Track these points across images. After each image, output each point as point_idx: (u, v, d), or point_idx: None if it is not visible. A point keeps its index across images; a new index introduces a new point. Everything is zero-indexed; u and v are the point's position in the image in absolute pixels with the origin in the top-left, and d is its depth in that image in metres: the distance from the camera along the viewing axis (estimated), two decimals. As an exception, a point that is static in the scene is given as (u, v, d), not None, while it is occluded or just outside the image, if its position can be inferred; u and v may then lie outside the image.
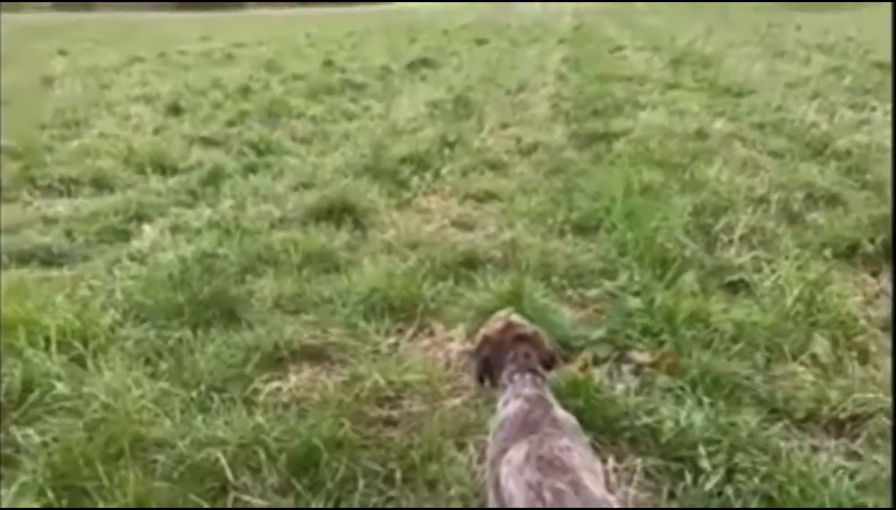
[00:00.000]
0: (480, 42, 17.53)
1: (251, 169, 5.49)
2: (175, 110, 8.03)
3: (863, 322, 2.82)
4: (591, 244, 3.88)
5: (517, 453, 1.51)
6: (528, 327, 1.91)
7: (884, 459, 2.10)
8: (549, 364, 1.87)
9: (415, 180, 5.10)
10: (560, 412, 1.69)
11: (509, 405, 1.70)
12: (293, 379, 2.48)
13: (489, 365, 1.86)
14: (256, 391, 2.41)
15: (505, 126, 7.07)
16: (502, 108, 7.98)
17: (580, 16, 28.30)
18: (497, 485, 1.54)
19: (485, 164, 5.61)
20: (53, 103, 8.18)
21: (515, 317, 1.94)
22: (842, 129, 6.10)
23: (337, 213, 4.32)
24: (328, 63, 12.80)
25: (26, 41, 18.37)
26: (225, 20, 32.37)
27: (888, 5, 24.02)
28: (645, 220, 3.82)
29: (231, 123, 7.19)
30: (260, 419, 2.21)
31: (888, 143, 5.51)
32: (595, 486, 1.45)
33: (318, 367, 2.58)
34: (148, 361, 2.58)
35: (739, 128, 6.49)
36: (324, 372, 2.55)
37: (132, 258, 3.59)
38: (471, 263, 3.58)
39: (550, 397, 1.74)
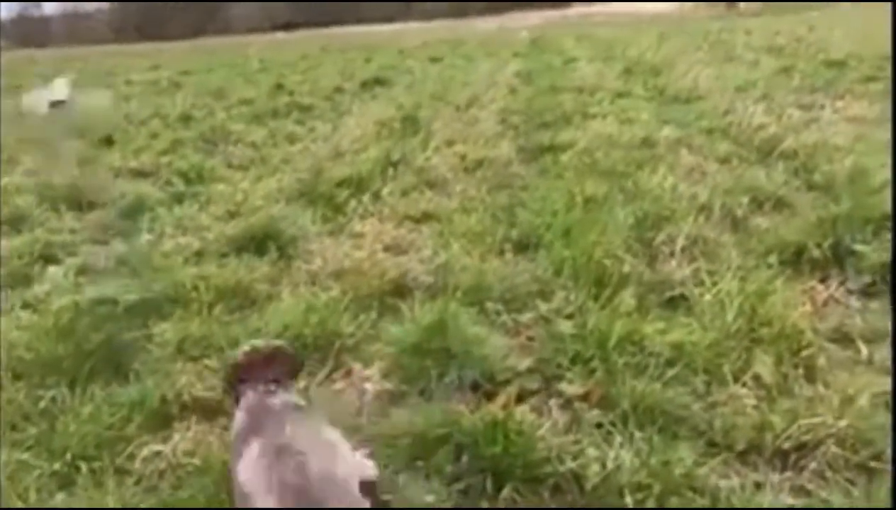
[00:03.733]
0: (435, 59, 17.43)
1: (177, 199, 5.19)
2: (108, 142, 7.70)
3: (810, 334, 2.61)
4: (530, 263, 3.66)
5: (249, 451, 1.60)
6: (266, 348, 2.01)
7: (833, 495, 1.88)
8: (291, 373, 1.99)
9: (352, 203, 4.85)
10: (293, 407, 1.79)
11: (236, 420, 1.80)
12: (177, 439, 2.18)
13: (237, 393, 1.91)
14: (132, 457, 2.12)
15: (451, 143, 6.85)
16: (450, 125, 7.77)
17: (538, 29, 28.50)
18: (237, 486, 1.60)
19: (427, 184, 5.38)
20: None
21: (257, 342, 2.06)
22: (789, 130, 5.99)
23: (260, 242, 4.03)
24: (278, 86, 12.55)
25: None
26: (179, 49, 32.01)
27: (841, 7, 24.54)
28: (584, 236, 3.61)
29: (164, 152, 6.88)
30: (129, 492, 1.92)
31: (837, 141, 5.40)
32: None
33: (209, 424, 2.29)
34: (14, 427, 2.27)
35: (687, 134, 6.35)
36: (214, 429, 2.26)
37: (26, 306, 3.28)
38: (399, 291, 3.33)
39: (284, 400, 1.81)
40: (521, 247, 3.92)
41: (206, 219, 4.68)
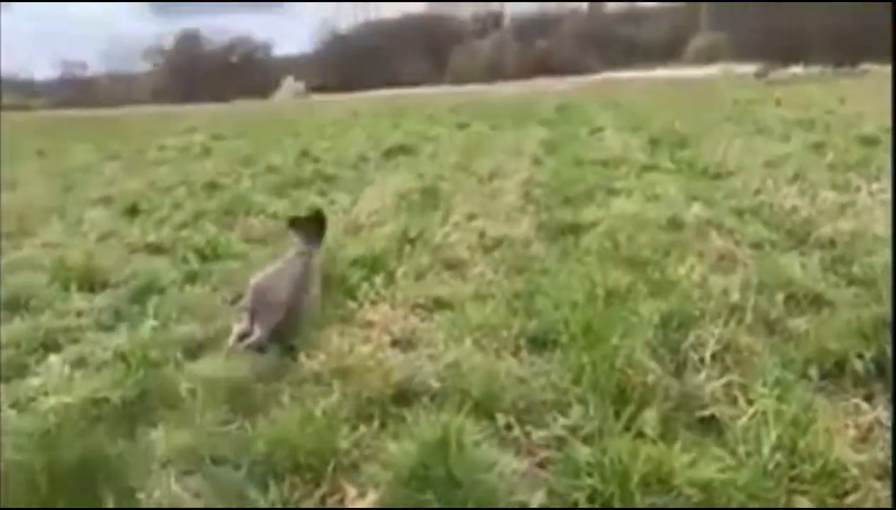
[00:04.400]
0: (462, 126, 17.57)
1: (190, 279, 5.08)
2: (132, 212, 7.73)
3: (854, 470, 2.33)
4: (547, 364, 3.43)
5: None
6: None
7: None
8: None
9: (364, 287, 4.68)
10: None
11: None
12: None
13: None
14: None
15: (472, 217, 6.71)
16: (471, 198, 7.67)
17: (564, 95, 28.77)
18: None
19: (443, 264, 5.22)
20: (6, 210, 7.86)
21: None
22: (824, 214, 5.75)
23: (267, 332, 3.88)
24: (304, 153, 12.66)
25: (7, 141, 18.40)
26: (216, 112, 32.93)
27: (867, 80, 24.41)
28: (605, 336, 3.37)
29: (184, 225, 6.84)
30: None
31: (875, 229, 5.13)
32: None
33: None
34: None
35: (716, 214, 6.13)
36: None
37: (14, 405, 3.12)
38: (403, 397, 3.12)
39: None
40: (538, 343, 3.71)
41: (217, 302, 4.54)
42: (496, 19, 76.07)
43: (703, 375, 3.05)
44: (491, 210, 7.04)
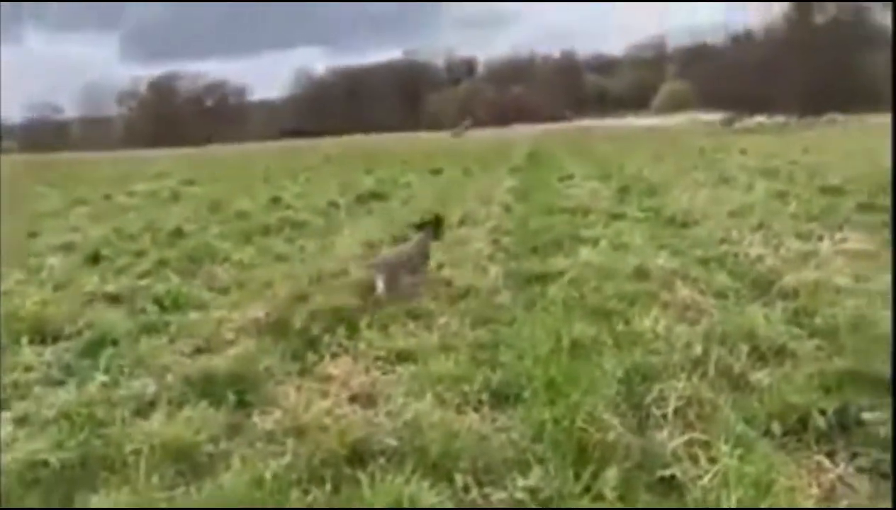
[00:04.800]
0: (435, 172, 17.70)
1: (147, 330, 4.94)
2: (94, 259, 7.56)
3: (820, 535, 2.28)
4: (509, 420, 3.35)
5: None
6: None
7: None
8: None
9: (326, 339, 4.59)
10: None
11: None
12: None
13: None
14: None
15: (439, 266, 6.67)
16: (440, 246, 7.63)
17: (536, 141, 29.24)
18: None
19: (409, 315, 5.14)
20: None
21: None
22: (788, 264, 5.82)
23: (221, 387, 3.76)
24: (275, 200, 12.60)
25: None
26: (189, 156, 32.83)
27: (831, 130, 25.19)
28: (567, 391, 3.31)
29: (145, 274, 6.70)
30: None
31: (837, 280, 5.18)
32: None
33: None
34: None
35: (682, 264, 6.16)
36: None
37: (-50, 468, 2.95)
38: (360, 458, 3.01)
39: None
40: (501, 398, 3.64)
41: (171, 356, 4.39)
42: (469, 66, 77.73)
43: (665, 432, 2.99)
44: (459, 258, 7.02)
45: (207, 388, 3.79)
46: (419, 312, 5.19)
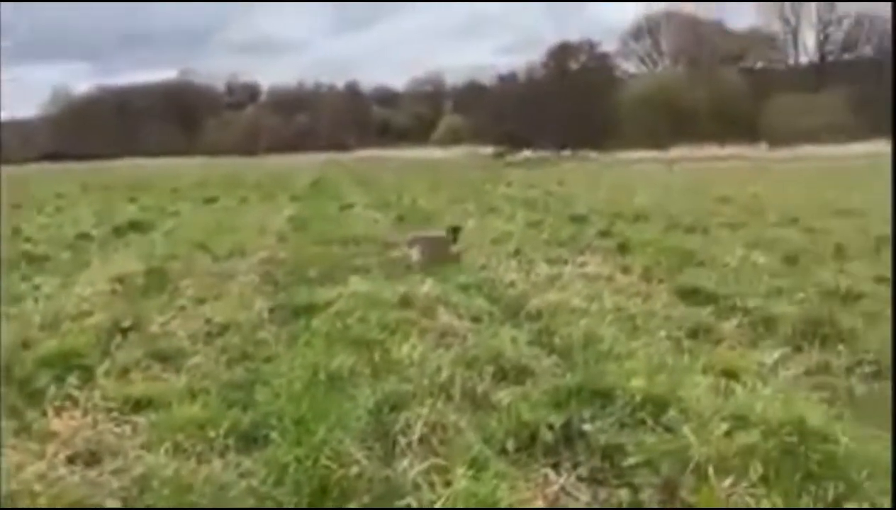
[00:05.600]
0: (209, 200, 16.83)
1: None
2: None
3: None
4: (254, 464, 3.18)
5: None
6: None
7: None
8: None
9: (52, 389, 4.05)
10: None
11: None
12: None
13: None
14: None
15: (200, 301, 6.27)
16: (203, 280, 7.19)
17: (320, 170, 29.13)
18: None
19: (156, 357, 4.72)
20: None
21: None
22: (537, 287, 6.29)
23: None
24: (16, 231, 11.10)
25: None
26: None
27: (586, 164, 28.19)
28: (315, 427, 3.23)
29: None
30: None
31: (575, 301, 5.69)
32: None
33: None
34: None
35: (445, 290, 6.40)
36: None
37: None
38: (70, 528, 2.66)
39: None
40: (249, 441, 3.45)
41: None
42: (252, 92, 75.59)
43: (407, 460, 3.02)
44: (223, 292, 6.65)
45: None
46: (168, 353, 4.81)
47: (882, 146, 42.49)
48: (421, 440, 3.22)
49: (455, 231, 8.50)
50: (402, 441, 3.23)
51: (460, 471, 2.84)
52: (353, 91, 73.60)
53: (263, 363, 4.65)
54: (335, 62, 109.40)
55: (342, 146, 55.62)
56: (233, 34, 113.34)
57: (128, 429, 3.61)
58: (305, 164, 38.19)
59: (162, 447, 3.29)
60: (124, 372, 4.42)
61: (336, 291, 6.42)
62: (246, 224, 11.92)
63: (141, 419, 3.73)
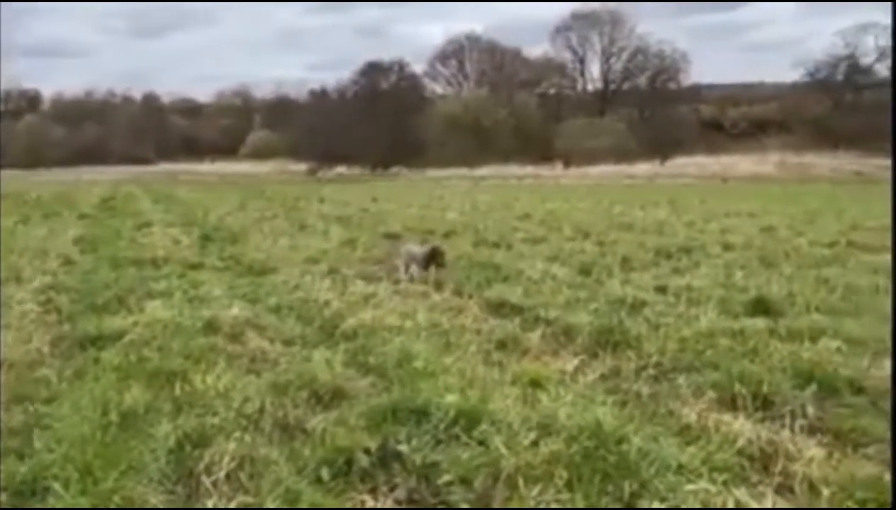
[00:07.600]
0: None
1: None
2: None
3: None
4: (30, 525, 2.78)
5: None
6: None
7: None
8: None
9: None
10: None
11: None
12: None
13: None
14: None
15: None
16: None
17: (113, 185, 26.76)
18: None
19: None
20: None
21: None
22: (351, 307, 6.22)
23: None
24: None
25: None
26: None
27: (398, 181, 28.66)
28: (105, 475, 2.90)
29: None
30: None
31: (389, 319, 5.70)
32: None
33: None
34: None
35: (256, 313, 6.12)
36: None
37: None
38: None
39: None
40: (26, 495, 3.01)
41: None
42: (31, 101, 67.81)
43: (214, 499, 2.81)
44: (-7, 326, 5.80)
45: None
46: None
47: (657, 167, 48.30)
48: (228, 477, 3.02)
49: (439, 253, 7.85)
50: (207, 480, 3.01)
51: (271, 506, 2.70)
52: (151, 102, 68.71)
53: (44, 404, 4.11)
54: (130, 71, 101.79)
55: (140, 159, 51.63)
56: (15, 35, 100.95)
57: None
58: (97, 178, 34.85)
59: None
60: None
61: (131, 319, 5.88)
62: (24, 246, 10.55)
63: None
